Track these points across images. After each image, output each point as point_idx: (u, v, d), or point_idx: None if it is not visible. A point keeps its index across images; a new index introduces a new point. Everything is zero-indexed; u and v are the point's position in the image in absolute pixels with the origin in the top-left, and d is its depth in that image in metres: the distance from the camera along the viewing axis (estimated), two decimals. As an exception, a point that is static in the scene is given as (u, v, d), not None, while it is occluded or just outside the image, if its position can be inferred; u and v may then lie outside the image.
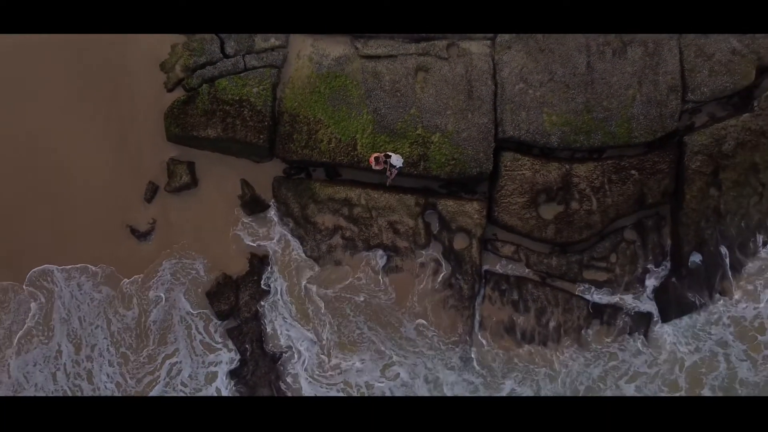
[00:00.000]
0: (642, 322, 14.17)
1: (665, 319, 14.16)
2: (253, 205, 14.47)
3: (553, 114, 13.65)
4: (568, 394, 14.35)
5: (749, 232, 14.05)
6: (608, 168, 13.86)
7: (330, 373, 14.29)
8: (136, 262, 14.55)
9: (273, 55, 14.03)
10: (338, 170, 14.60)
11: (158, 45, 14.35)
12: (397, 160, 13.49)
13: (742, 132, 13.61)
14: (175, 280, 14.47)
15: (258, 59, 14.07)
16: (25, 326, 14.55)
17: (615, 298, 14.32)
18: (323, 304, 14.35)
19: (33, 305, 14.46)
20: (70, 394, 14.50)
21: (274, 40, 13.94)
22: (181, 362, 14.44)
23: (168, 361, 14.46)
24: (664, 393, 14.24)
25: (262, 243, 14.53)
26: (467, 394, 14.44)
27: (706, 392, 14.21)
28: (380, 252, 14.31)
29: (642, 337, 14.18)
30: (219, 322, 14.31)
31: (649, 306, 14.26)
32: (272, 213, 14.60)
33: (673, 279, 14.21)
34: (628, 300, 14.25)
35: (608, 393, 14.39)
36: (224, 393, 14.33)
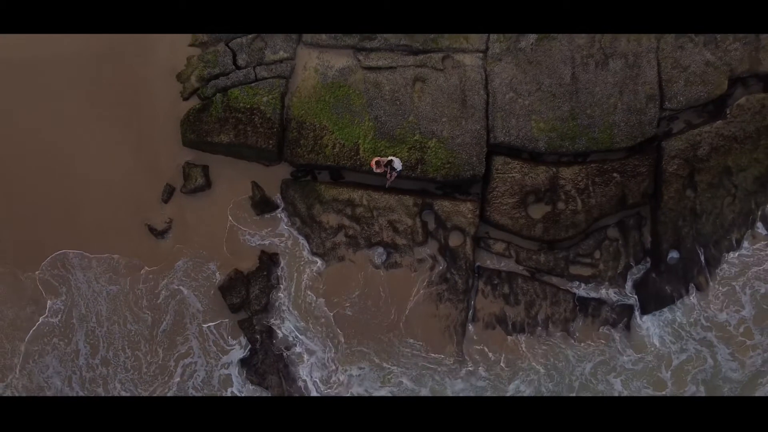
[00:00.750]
0: (624, 314, 14.59)
1: (645, 311, 14.57)
2: (263, 206, 14.81)
3: (540, 121, 14.04)
4: (565, 391, 14.63)
5: (723, 230, 14.38)
6: (592, 171, 14.17)
7: (334, 380, 14.75)
8: (153, 259, 14.91)
9: (281, 67, 14.40)
10: (342, 173, 14.92)
11: (175, 57, 14.74)
12: (396, 163, 13.79)
13: (715, 138, 13.99)
14: (187, 278, 14.86)
15: (267, 70, 14.43)
16: (41, 319, 14.98)
17: (599, 292, 14.73)
18: (325, 319, 14.72)
19: (50, 302, 14.90)
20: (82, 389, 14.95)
21: (282, 52, 14.34)
22: (195, 362, 14.87)
23: (182, 362, 14.86)
24: (649, 391, 14.58)
25: (271, 241, 14.88)
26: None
27: (690, 388, 14.54)
28: (381, 249, 14.68)
29: (624, 329, 14.60)
30: (228, 322, 14.78)
31: (630, 299, 14.66)
32: (280, 213, 14.94)
33: (653, 274, 14.56)
34: (611, 293, 14.67)
35: (600, 387, 14.65)
36: (237, 392, 14.77)
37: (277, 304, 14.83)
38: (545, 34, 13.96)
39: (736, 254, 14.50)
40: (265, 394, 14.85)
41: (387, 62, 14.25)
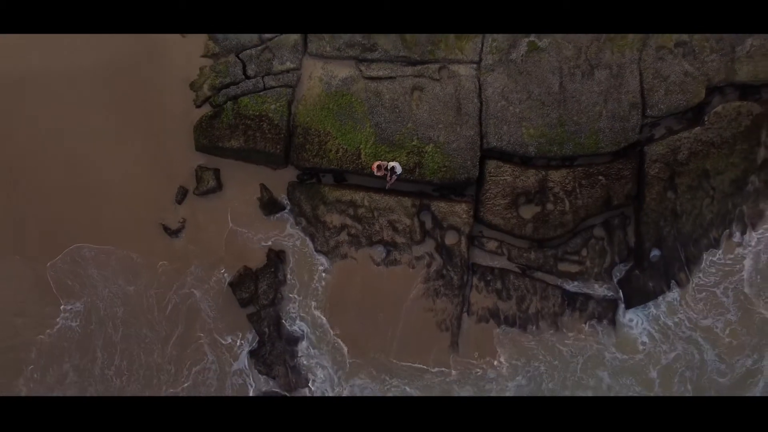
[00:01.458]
0: (609, 309, 15.14)
1: (629, 305, 15.04)
2: (271, 206, 15.36)
3: (530, 127, 14.51)
4: (559, 387, 15.17)
5: (702, 229, 14.87)
6: (579, 174, 14.59)
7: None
8: (167, 257, 15.55)
9: (288, 77, 14.93)
10: (345, 176, 15.43)
11: (188, 67, 15.23)
12: (396, 167, 14.26)
13: (694, 143, 14.42)
14: (199, 282, 15.52)
15: (275, 80, 14.95)
16: (61, 322, 15.63)
17: (586, 288, 15.25)
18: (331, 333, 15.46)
19: (67, 305, 15.60)
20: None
21: (289, 63, 14.85)
22: (209, 369, 15.57)
23: (194, 369, 15.58)
24: (637, 387, 15.12)
25: (278, 239, 15.45)
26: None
27: (676, 384, 15.04)
28: (381, 247, 15.22)
29: (610, 323, 15.14)
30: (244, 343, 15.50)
31: (615, 294, 15.20)
32: (287, 213, 15.47)
33: (636, 271, 14.97)
34: (597, 289, 15.21)
35: (591, 382, 15.18)
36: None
37: (286, 297, 15.45)
38: (545, 34, 14.24)
39: (715, 257, 15.06)
40: (272, 383, 15.58)
41: (387, 72, 14.73)
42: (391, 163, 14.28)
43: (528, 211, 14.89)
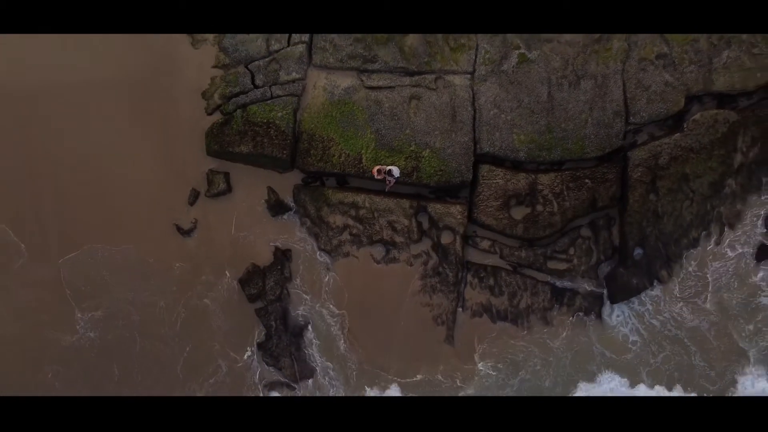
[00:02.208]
0: (595, 303, 15.90)
1: (614, 300, 15.80)
2: (278, 208, 16.07)
3: (521, 134, 15.21)
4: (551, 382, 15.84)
5: (682, 229, 15.56)
6: (566, 177, 15.27)
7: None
8: (180, 256, 16.29)
9: (294, 86, 15.64)
10: (347, 179, 16.09)
11: (200, 77, 16.05)
12: (395, 171, 15.02)
13: (674, 148, 15.11)
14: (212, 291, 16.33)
15: (282, 89, 15.66)
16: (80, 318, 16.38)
17: (573, 284, 15.94)
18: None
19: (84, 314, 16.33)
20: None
21: (294, 73, 15.60)
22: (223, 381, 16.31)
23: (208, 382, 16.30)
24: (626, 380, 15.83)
25: (284, 238, 16.15)
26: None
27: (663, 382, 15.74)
28: (381, 246, 15.89)
29: (596, 317, 15.89)
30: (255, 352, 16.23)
31: (601, 290, 15.91)
32: (293, 214, 16.11)
33: (621, 268, 15.69)
34: (583, 285, 15.91)
35: (581, 376, 15.82)
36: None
37: (292, 293, 16.23)
38: (544, 33, 14.87)
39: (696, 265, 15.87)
40: (278, 374, 16.40)
41: (386, 82, 15.48)
42: (390, 167, 15.01)
43: (519, 212, 15.60)
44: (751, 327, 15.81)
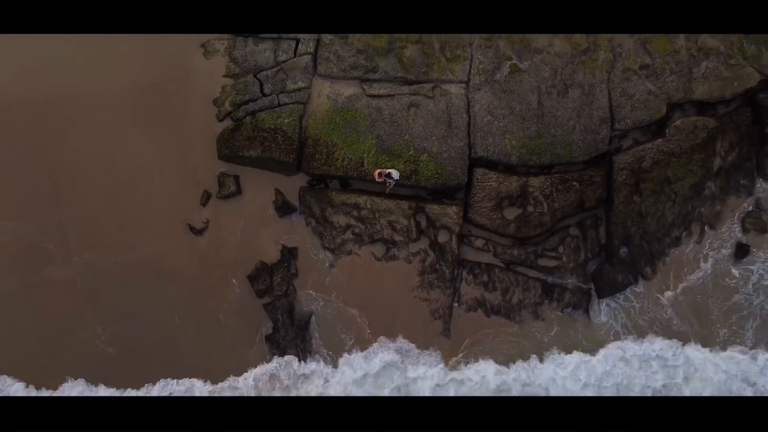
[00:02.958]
0: (583, 299, 16.58)
1: (601, 296, 16.49)
2: (284, 208, 16.73)
3: (513, 139, 15.87)
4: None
5: (665, 229, 16.28)
6: (555, 180, 15.90)
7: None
8: (192, 252, 16.98)
9: (300, 94, 16.39)
10: (350, 182, 16.71)
11: (212, 86, 16.84)
12: (394, 174, 15.68)
13: (657, 153, 15.82)
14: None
15: (288, 97, 16.39)
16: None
17: (562, 280, 16.55)
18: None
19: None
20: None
21: (300, 83, 16.39)
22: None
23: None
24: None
25: (290, 237, 16.83)
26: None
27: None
28: (381, 244, 16.53)
29: (584, 312, 16.54)
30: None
31: (588, 286, 16.57)
32: (299, 214, 16.77)
33: (607, 265, 16.37)
34: (572, 281, 16.56)
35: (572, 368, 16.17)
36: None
37: (298, 288, 16.94)
38: (544, 33, 15.46)
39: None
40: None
41: (387, 91, 16.23)
42: (390, 170, 15.76)
43: (511, 213, 16.27)
44: (725, 331, 16.53)
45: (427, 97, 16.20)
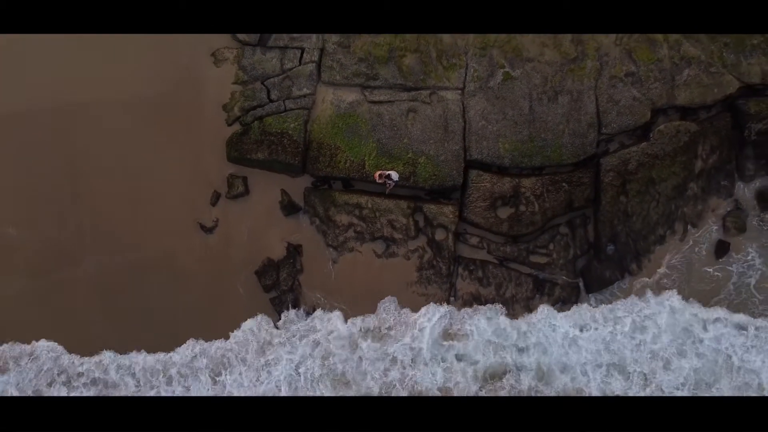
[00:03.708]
0: (573, 293, 17.13)
1: (589, 291, 17.04)
2: (290, 208, 17.14)
3: (506, 143, 16.33)
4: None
5: (650, 227, 16.82)
6: (546, 181, 16.20)
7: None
8: (202, 250, 17.58)
9: (305, 100, 16.91)
10: (352, 183, 17.00)
11: (221, 92, 17.34)
12: (394, 175, 16.16)
13: (642, 155, 16.21)
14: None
15: (294, 103, 16.93)
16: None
17: (553, 276, 17.05)
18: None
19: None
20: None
21: (305, 89, 16.94)
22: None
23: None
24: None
25: (295, 235, 17.37)
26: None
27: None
28: (382, 242, 17.02)
29: (574, 306, 16.98)
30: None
31: (577, 281, 17.11)
32: (303, 214, 17.29)
33: (595, 262, 16.80)
34: (562, 277, 17.05)
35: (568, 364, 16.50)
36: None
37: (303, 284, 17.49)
38: (543, 33, 15.86)
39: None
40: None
41: (387, 97, 16.69)
42: (390, 172, 16.34)
43: (504, 212, 16.56)
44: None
45: (425, 103, 16.75)
